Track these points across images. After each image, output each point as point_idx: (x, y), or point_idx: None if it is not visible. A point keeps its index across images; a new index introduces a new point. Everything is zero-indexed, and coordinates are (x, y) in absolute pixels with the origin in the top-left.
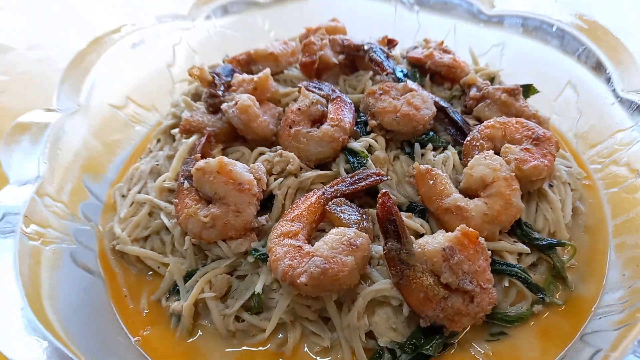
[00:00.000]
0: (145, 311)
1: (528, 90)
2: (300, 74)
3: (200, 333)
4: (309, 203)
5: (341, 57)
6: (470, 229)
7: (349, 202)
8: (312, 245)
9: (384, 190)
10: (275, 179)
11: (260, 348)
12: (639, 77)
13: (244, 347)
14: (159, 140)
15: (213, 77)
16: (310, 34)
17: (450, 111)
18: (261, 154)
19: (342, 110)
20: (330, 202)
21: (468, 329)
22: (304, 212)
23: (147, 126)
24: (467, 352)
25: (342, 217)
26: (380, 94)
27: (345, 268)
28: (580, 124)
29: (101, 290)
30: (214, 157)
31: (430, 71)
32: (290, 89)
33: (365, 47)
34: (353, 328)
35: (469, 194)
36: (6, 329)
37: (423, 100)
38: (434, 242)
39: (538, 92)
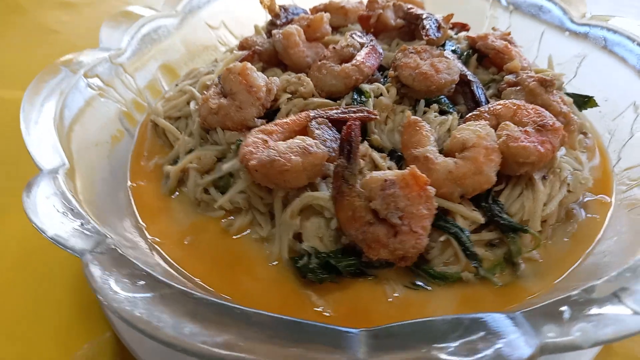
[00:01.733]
0: (150, 169)
1: (588, 102)
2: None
3: (177, 194)
4: (295, 118)
5: (400, 21)
6: (422, 174)
7: (330, 125)
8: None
9: (353, 120)
10: (286, 97)
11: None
12: None
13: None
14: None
15: (280, 9)
16: None
17: (474, 86)
18: (289, 74)
19: (369, 55)
20: (313, 120)
21: (395, 268)
22: (287, 123)
23: None
24: (382, 286)
25: (316, 133)
26: (411, 52)
27: (289, 164)
28: (627, 145)
29: (129, 147)
30: None
31: (479, 52)
32: (347, 32)
33: (423, 16)
34: (285, 224)
35: (448, 155)
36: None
37: (448, 66)
38: (381, 174)
39: (597, 106)
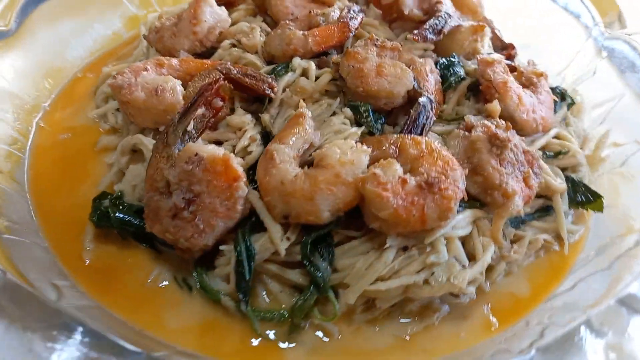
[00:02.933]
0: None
1: (593, 200)
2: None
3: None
4: (204, 62)
5: (418, 13)
6: (236, 167)
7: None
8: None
9: (222, 79)
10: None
11: None
12: None
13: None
14: None
15: None
16: None
17: (419, 109)
18: (254, 15)
19: (328, 31)
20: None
21: None
22: (192, 63)
23: None
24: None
25: (195, 80)
26: (375, 44)
27: (130, 96)
28: None
29: None
30: (237, 10)
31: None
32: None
33: (437, 14)
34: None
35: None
36: None
37: (396, 75)
38: (205, 146)
39: (602, 211)
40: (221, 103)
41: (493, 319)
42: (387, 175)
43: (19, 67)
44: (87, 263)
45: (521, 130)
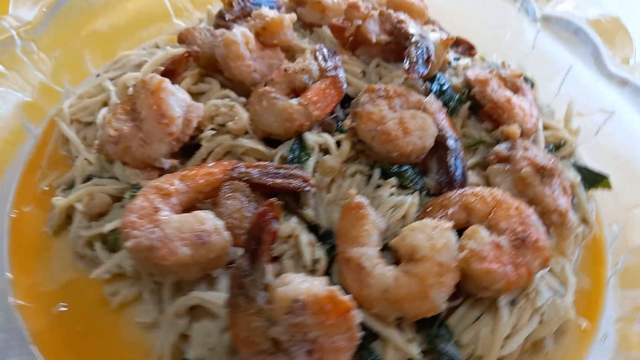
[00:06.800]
0: (43, 188)
1: (599, 180)
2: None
3: (62, 242)
4: (211, 171)
5: (385, 37)
6: (345, 298)
7: (248, 192)
8: (173, 215)
9: (277, 201)
10: (211, 129)
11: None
12: None
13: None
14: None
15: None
16: None
17: (452, 154)
18: (225, 95)
19: (325, 93)
20: (227, 183)
21: None
22: (198, 177)
23: (189, 23)
24: None
25: (225, 203)
26: (380, 96)
27: (173, 258)
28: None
29: (30, 149)
30: (183, 78)
31: (474, 101)
32: (309, 47)
33: (413, 39)
34: (169, 322)
35: (394, 257)
36: None
37: (422, 126)
38: (296, 285)
39: (610, 188)
40: (277, 225)
41: (581, 321)
42: (484, 247)
43: None
44: None
45: (524, 136)
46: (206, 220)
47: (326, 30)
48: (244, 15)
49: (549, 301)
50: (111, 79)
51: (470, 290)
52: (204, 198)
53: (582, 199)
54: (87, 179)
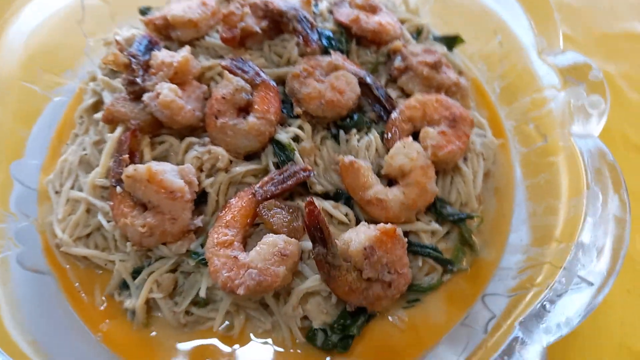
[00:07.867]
0: (103, 305)
1: (455, 41)
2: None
3: (156, 324)
4: (241, 206)
5: (264, 23)
6: (388, 226)
7: (278, 203)
8: (247, 253)
9: (309, 199)
10: (206, 176)
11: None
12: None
13: (196, 331)
14: (82, 121)
15: (130, 60)
16: None
17: (374, 88)
18: (190, 144)
19: (268, 99)
20: (261, 206)
21: None
22: (236, 217)
23: (69, 95)
24: (386, 319)
25: (273, 221)
26: (305, 77)
27: (277, 279)
28: (502, 78)
29: (55, 289)
30: (141, 152)
31: (356, 36)
32: (213, 62)
33: (289, 15)
34: (288, 315)
35: (390, 178)
36: None
37: (347, 82)
38: (357, 241)
39: (464, 42)
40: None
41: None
42: (437, 138)
43: None
44: None
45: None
46: (277, 239)
47: (208, 39)
48: (145, 69)
49: (481, 144)
50: (71, 188)
51: (440, 169)
52: (249, 227)
53: (452, 60)
54: (135, 272)
